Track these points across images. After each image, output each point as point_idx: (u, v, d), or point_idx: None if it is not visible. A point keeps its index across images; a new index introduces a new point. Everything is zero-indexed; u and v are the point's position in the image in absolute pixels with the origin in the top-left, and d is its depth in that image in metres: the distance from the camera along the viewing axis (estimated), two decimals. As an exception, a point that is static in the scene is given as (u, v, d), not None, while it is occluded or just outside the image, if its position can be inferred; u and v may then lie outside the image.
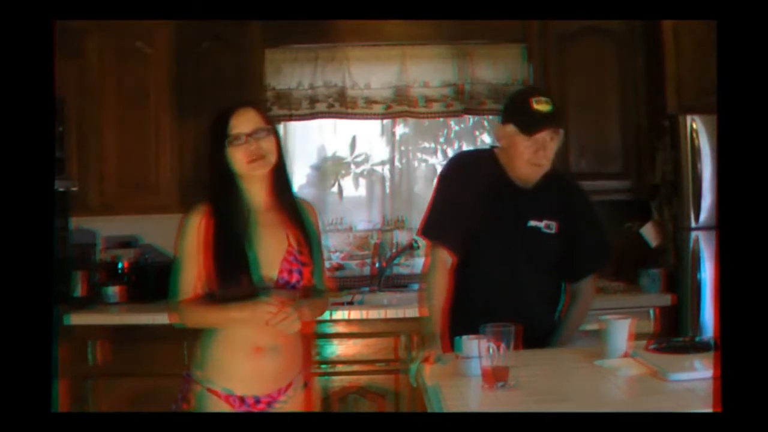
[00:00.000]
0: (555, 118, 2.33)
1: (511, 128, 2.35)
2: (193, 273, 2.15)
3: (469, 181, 2.43)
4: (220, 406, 2.10)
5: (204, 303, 2.14)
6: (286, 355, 2.15)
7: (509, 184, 2.41)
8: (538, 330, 2.38)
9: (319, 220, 2.33)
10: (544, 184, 2.41)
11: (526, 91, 2.57)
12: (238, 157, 2.12)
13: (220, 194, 2.16)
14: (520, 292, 2.39)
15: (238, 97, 3.74)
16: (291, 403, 2.16)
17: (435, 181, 2.62)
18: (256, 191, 2.18)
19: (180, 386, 2.18)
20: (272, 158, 2.15)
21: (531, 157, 2.33)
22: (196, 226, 2.14)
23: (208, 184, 2.20)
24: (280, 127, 4.10)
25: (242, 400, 2.11)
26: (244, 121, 2.14)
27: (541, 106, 2.31)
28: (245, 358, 2.11)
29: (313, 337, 2.28)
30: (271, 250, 2.14)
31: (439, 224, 2.44)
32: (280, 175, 2.20)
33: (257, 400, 2.12)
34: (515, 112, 2.38)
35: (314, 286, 2.22)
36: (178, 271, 2.18)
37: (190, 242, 2.14)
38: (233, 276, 2.09)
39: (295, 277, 2.15)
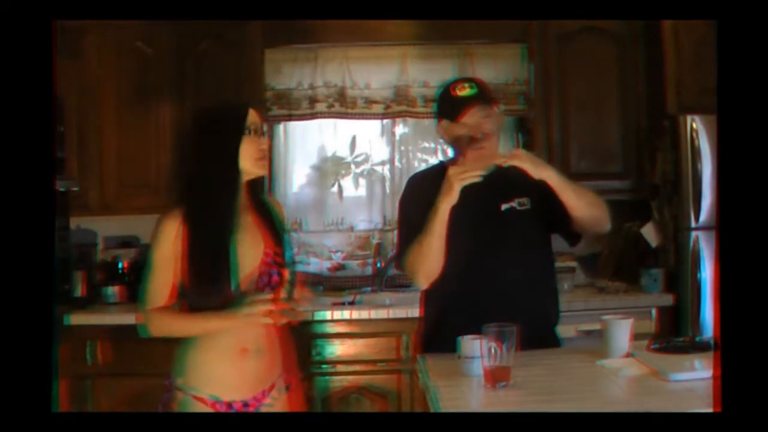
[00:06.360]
0: (477, 98, 2.30)
1: (443, 122, 2.35)
2: (166, 280, 2.06)
3: (427, 195, 2.34)
4: None
5: (176, 312, 2.07)
6: (268, 355, 2.11)
7: None
8: (540, 311, 2.36)
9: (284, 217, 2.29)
10: (502, 169, 2.30)
11: (448, 83, 2.45)
12: (250, 152, 2.07)
13: (220, 192, 2.07)
14: (513, 278, 2.31)
15: (238, 97, 3.77)
16: (276, 405, 2.12)
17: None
18: (241, 192, 2.13)
19: (161, 394, 2.12)
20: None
21: (470, 142, 2.30)
22: (174, 232, 2.04)
23: (203, 181, 2.07)
24: (280, 127, 4.10)
25: (229, 405, 2.06)
26: (258, 120, 2.12)
27: (463, 91, 2.30)
28: (231, 361, 2.06)
29: (292, 340, 2.22)
30: (250, 253, 2.09)
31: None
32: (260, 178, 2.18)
33: (245, 404, 2.07)
34: (441, 104, 2.39)
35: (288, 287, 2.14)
36: (149, 278, 2.08)
37: (165, 249, 2.05)
38: (215, 281, 2.02)
39: (275, 278, 2.10)
